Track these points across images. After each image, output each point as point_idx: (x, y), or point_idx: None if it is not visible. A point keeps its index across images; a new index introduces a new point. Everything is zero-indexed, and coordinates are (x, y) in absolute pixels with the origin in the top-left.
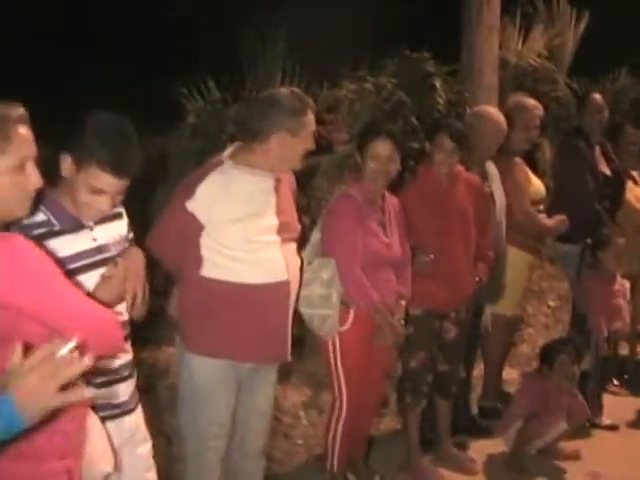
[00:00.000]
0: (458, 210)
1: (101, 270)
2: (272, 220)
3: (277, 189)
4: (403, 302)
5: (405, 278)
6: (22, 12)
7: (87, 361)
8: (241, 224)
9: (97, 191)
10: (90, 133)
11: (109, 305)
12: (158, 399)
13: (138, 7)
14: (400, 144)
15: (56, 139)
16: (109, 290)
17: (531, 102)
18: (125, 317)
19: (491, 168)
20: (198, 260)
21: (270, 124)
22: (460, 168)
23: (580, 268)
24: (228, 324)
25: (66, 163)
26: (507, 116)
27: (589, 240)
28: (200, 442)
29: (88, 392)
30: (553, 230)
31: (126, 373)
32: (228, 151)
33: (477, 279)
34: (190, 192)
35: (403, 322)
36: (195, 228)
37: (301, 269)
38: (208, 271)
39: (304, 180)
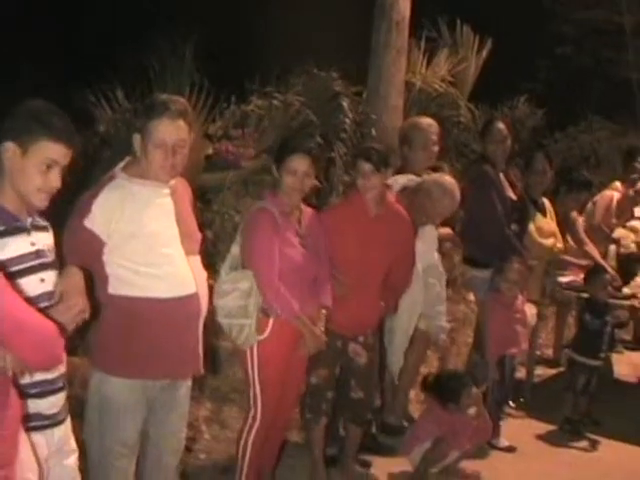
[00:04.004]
0: (382, 239)
1: (39, 275)
2: (173, 230)
3: (173, 198)
4: (324, 311)
5: (325, 288)
6: None
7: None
8: (142, 237)
9: (50, 165)
10: (29, 115)
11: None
12: None
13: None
14: (316, 160)
15: None
16: (61, 318)
17: (426, 121)
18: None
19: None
20: (103, 278)
21: (135, 128)
22: (391, 198)
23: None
24: (138, 342)
25: (8, 152)
26: (404, 137)
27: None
28: (107, 461)
29: None
30: (445, 235)
31: (61, 384)
32: (121, 165)
33: (382, 304)
34: (87, 209)
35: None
36: (96, 245)
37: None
38: (114, 288)
39: (210, 195)
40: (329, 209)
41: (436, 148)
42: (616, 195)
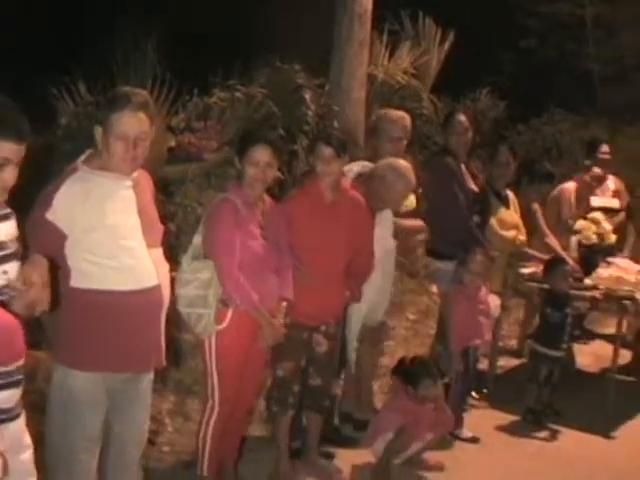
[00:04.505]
0: (339, 227)
1: (1, 267)
2: (134, 221)
3: (135, 190)
4: (284, 304)
5: (287, 280)
6: None
7: None
8: (103, 229)
9: (2, 163)
10: None
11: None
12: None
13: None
14: (279, 151)
15: None
16: (18, 304)
17: (397, 113)
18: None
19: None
20: (65, 271)
21: (97, 120)
22: (347, 184)
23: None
24: (100, 335)
25: None
26: (373, 129)
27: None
28: (70, 455)
29: None
30: (418, 228)
31: (18, 377)
32: (82, 157)
33: (347, 294)
34: (48, 202)
35: (283, 323)
36: (58, 238)
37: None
38: (76, 281)
39: (173, 187)
40: (286, 199)
41: (404, 141)
42: (573, 185)
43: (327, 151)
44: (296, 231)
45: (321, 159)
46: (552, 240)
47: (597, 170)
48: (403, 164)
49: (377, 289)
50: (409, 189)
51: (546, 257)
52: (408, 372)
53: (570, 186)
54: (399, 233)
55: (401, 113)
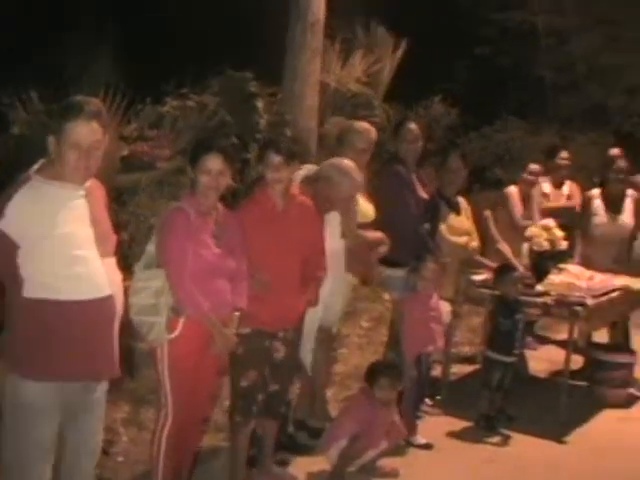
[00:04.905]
0: (293, 232)
1: None
2: (87, 231)
3: (88, 199)
4: (237, 313)
5: (241, 290)
6: None
7: None
8: (56, 239)
9: None
10: None
11: None
12: None
13: None
14: (231, 159)
15: None
16: None
17: (363, 125)
18: None
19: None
20: (18, 281)
21: (50, 130)
22: (295, 191)
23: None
24: (53, 345)
25: None
26: (337, 138)
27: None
28: (24, 465)
29: None
30: (379, 240)
31: None
32: (35, 167)
33: (306, 298)
34: (0, 212)
35: (236, 334)
36: (10, 248)
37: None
38: (29, 291)
39: (125, 196)
40: (239, 208)
41: (368, 153)
42: (515, 187)
43: (276, 159)
44: (250, 239)
45: (270, 167)
46: (504, 246)
47: (533, 166)
48: (348, 164)
49: (329, 290)
50: (355, 188)
51: (494, 265)
52: (371, 371)
53: (512, 188)
54: (362, 246)
55: (367, 125)
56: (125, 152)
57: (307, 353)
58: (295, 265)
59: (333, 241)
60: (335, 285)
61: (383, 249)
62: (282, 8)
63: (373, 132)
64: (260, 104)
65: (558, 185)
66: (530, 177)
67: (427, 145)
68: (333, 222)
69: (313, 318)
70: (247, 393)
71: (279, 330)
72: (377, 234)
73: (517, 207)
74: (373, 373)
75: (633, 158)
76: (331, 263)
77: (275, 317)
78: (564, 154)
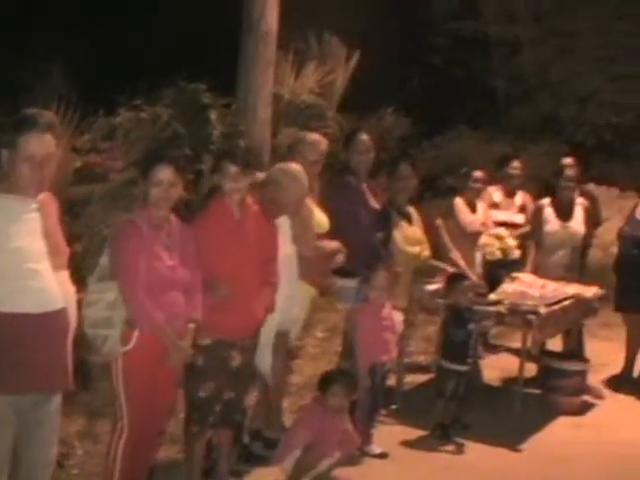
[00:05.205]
0: (250, 241)
1: None
2: (40, 244)
3: (41, 212)
4: (192, 325)
5: (195, 302)
6: None
7: None
8: (8, 252)
9: None
10: None
11: None
12: None
13: None
14: (182, 170)
15: None
16: None
17: (314, 137)
18: None
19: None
20: None
21: (2, 143)
22: (250, 201)
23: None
24: (5, 357)
25: None
26: (289, 149)
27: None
28: None
29: None
30: (336, 249)
31: None
32: None
33: (264, 305)
34: None
35: (195, 345)
36: None
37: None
38: None
39: (78, 208)
40: (195, 220)
41: (319, 165)
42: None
43: (233, 169)
44: (208, 249)
45: (228, 177)
46: (455, 255)
47: (478, 173)
48: (295, 167)
49: (285, 295)
50: (303, 191)
51: (450, 269)
52: (324, 379)
53: (458, 199)
54: (319, 256)
55: (318, 137)
56: (78, 164)
57: (265, 360)
58: (254, 273)
59: (285, 246)
60: (290, 289)
61: (340, 258)
62: (235, 19)
63: (324, 143)
64: (213, 115)
65: (510, 194)
66: (476, 185)
67: (380, 155)
68: (284, 227)
69: (270, 324)
70: (204, 404)
71: (238, 339)
72: (334, 244)
73: (463, 214)
74: (326, 381)
75: (585, 167)
76: (284, 268)
77: (236, 326)
78: (515, 164)
